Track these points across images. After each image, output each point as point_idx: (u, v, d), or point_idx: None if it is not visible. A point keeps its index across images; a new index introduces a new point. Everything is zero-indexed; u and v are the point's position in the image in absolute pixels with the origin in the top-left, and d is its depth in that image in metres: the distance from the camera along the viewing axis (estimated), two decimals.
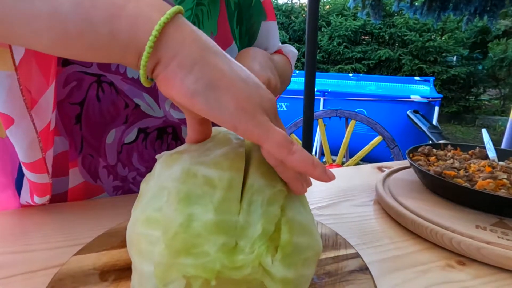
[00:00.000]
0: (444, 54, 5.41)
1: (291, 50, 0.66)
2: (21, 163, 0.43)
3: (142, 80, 0.25)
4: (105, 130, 0.50)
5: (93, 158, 0.51)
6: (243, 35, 0.57)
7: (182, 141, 0.57)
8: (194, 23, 0.49)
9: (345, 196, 0.56)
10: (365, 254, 0.39)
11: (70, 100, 0.47)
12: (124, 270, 0.34)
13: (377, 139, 2.12)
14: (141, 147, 0.54)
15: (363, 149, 2.16)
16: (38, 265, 0.36)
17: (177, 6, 0.25)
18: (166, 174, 0.27)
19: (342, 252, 0.38)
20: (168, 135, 0.56)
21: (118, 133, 0.51)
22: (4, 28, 0.25)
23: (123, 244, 0.38)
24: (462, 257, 0.39)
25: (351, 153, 2.39)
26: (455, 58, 5.64)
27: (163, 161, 0.29)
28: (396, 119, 3.04)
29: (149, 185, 0.28)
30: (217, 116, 0.24)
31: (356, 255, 0.37)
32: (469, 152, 0.60)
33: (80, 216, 0.47)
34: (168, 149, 0.57)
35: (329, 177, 0.26)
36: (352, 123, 2.18)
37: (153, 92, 0.50)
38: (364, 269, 0.35)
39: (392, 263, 0.38)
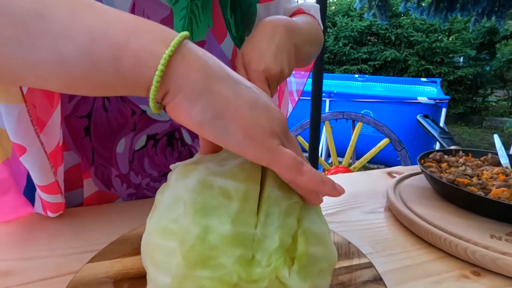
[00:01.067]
0: (451, 55, 5.36)
1: (312, 5, 0.64)
2: (35, 185, 0.44)
3: (153, 110, 0.26)
4: (115, 139, 0.50)
5: (105, 168, 0.51)
6: (239, 23, 0.55)
7: (188, 147, 0.57)
8: (190, 19, 0.49)
9: (355, 203, 0.55)
10: (378, 263, 0.39)
11: (77, 114, 0.47)
12: (137, 279, 0.34)
13: (384, 141, 2.11)
14: (151, 153, 0.54)
15: (370, 151, 2.14)
16: (52, 273, 0.37)
17: (181, 34, 0.25)
18: (182, 184, 0.27)
19: (356, 261, 0.37)
20: (178, 141, 0.56)
21: (127, 141, 0.51)
22: (10, 74, 0.24)
23: (135, 252, 0.38)
24: (477, 268, 0.39)
25: (357, 155, 2.38)
26: (462, 59, 5.59)
27: (178, 172, 0.29)
28: (402, 121, 3.02)
29: (164, 195, 0.28)
30: (227, 144, 0.24)
31: (370, 265, 0.37)
32: (481, 158, 0.59)
33: (92, 221, 0.47)
34: (179, 155, 0.57)
35: (338, 192, 0.27)
36: (359, 125, 2.17)
37: None
38: (378, 279, 0.35)
39: (406, 273, 0.38)
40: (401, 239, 0.45)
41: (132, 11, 0.44)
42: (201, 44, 0.51)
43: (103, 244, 0.39)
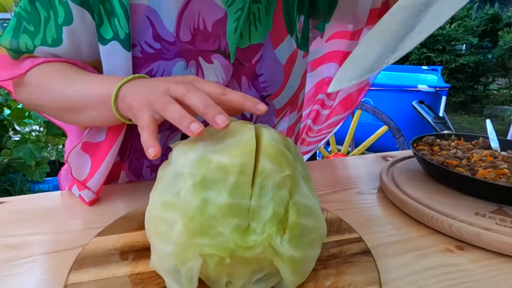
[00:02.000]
0: (453, 43, 5.32)
1: None
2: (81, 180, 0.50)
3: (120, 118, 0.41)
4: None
5: (138, 160, 0.54)
6: (305, 23, 0.56)
7: None
8: (250, 21, 0.50)
9: (349, 184, 0.57)
10: (369, 239, 0.41)
11: None
12: (142, 251, 0.36)
13: (383, 129, 2.12)
14: None
15: (369, 138, 2.16)
16: (63, 246, 0.39)
17: (117, 85, 0.40)
18: (182, 161, 0.29)
19: (346, 236, 0.40)
20: None
21: (163, 138, 0.54)
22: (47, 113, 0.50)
23: (139, 228, 0.40)
24: (461, 243, 0.41)
25: (356, 142, 2.40)
26: (464, 47, 5.54)
27: (179, 149, 0.31)
28: (402, 109, 3.02)
29: (166, 171, 0.30)
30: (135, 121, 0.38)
31: (359, 239, 0.39)
32: (473, 142, 0.61)
33: (100, 202, 0.50)
34: None
35: (259, 110, 0.34)
36: (357, 113, 2.17)
37: None
38: (366, 252, 0.37)
39: (394, 247, 0.40)
40: (392, 217, 0.47)
41: (182, 11, 0.46)
42: (258, 47, 0.52)
43: (108, 222, 0.42)
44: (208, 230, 0.26)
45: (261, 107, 0.34)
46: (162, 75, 0.48)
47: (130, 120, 0.41)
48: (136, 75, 0.43)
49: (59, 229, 0.42)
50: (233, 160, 0.28)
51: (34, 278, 0.34)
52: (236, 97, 0.35)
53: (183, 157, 0.30)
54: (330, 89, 0.30)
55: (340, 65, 0.68)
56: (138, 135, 0.51)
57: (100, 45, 0.45)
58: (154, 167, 0.59)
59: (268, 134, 0.30)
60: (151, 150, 0.31)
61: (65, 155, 0.50)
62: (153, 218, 0.30)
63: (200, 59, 0.50)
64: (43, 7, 0.45)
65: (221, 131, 0.31)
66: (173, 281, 0.28)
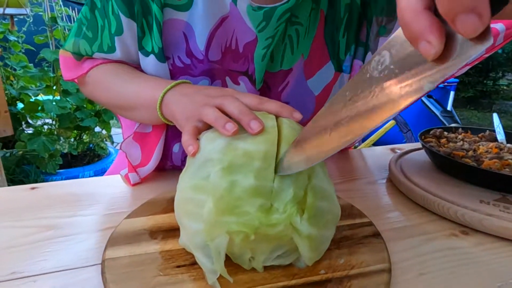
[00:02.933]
0: None
1: None
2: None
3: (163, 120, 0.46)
4: (172, 141, 0.57)
5: (161, 161, 0.57)
6: (350, 43, 0.52)
7: None
8: (285, 45, 0.49)
9: (359, 174, 0.60)
10: (378, 224, 0.44)
11: None
12: (169, 231, 0.39)
13: (390, 123, 2.13)
14: None
15: (376, 133, 2.17)
16: (91, 227, 0.42)
17: (175, 82, 0.46)
18: (210, 148, 0.32)
19: (358, 220, 0.42)
20: None
21: (181, 147, 0.57)
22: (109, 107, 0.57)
23: (165, 211, 0.43)
24: (466, 228, 0.44)
25: (364, 137, 2.41)
26: None
27: (206, 138, 0.34)
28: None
29: (195, 158, 0.33)
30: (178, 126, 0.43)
31: (370, 223, 0.42)
32: (479, 135, 0.63)
33: (126, 188, 0.53)
34: None
35: (295, 118, 0.36)
36: None
37: None
38: (377, 234, 0.40)
39: (402, 232, 0.43)
40: (400, 205, 0.50)
41: (216, 30, 0.48)
42: (287, 73, 0.51)
43: (134, 207, 0.45)
44: (235, 209, 0.29)
45: (297, 115, 0.36)
46: None
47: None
48: (180, 81, 0.46)
49: (88, 212, 0.46)
50: (258, 147, 0.30)
51: (71, 255, 0.37)
52: (273, 106, 0.37)
53: (211, 144, 0.33)
54: None
55: None
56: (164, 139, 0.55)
57: (141, 55, 0.49)
58: (176, 167, 0.62)
59: (287, 124, 0.33)
60: (190, 148, 0.34)
61: (120, 144, 0.55)
62: (184, 199, 0.33)
63: (227, 78, 0.51)
64: (101, 16, 0.49)
65: None
66: (203, 256, 0.31)
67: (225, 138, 0.32)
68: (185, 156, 0.59)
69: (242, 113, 0.34)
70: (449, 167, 0.53)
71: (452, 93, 3.02)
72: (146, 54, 0.49)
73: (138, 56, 0.51)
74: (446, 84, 3.02)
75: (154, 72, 0.50)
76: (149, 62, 0.49)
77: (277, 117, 0.35)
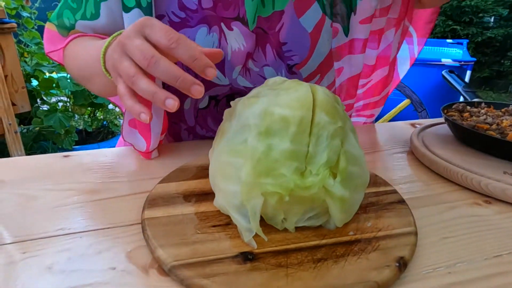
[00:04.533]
0: (481, 15, 5.07)
1: None
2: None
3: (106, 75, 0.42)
4: (182, 98, 0.55)
5: (176, 124, 0.58)
6: None
7: None
8: None
9: (381, 147, 0.61)
10: (401, 193, 0.45)
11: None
12: (202, 195, 0.41)
13: (405, 102, 2.11)
14: (213, 112, 0.61)
15: (390, 112, 2.16)
16: (126, 191, 0.45)
17: (114, 35, 0.41)
18: (247, 113, 0.33)
19: (382, 188, 0.44)
20: None
21: (193, 100, 0.59)
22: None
23: (195, 177, 0.45)
24: (488, 198, 0.45)
25: (378, 116, 2.39)
26: (492, 19, 5.28)
27: (242, 104, 0.35)
28: (425, 83, 2.97)
29: (232, 123, 0.35)
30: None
31: (394, 191, 0.43)
32: (502, 109, 0.63)
33: (156, 157, 0.55)
34: None
35: (207, 76, 0.33)
36: None
37: (218, 64, 0.53)
38: (401, 201, 0.41)
39: (425, 200, 0.44)
40: (422, 175, 0.51)
41: None
42: (280, 14, 0.51)
43: (165, 174, 0.47)
44: (272, 172, 0.31)
45: (209, 72, 0.32)
46: None
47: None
48: (116, 33, 0.42)
49: (121, 179, 0.48)
50: (294, 113, 0.31)
51: (112, 215, 0.39)
52: (184, 55, 0.32)
53: (248, 110, 0.34)
54: None
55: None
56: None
57: (123, 13, 0.47)
58: (190, 129, 0.63)
59: (321, 91, 0.34)
60: (143, 116, 0.33)
61: (121, 135, 0.55)
62: (221, 163, 0.34)
63: (222, 25, 0.51)
64: None
65: (280, 86, 0.35)
66: (239, 215, 0.33)
67: (262, 104, 0.33)
68: (197, 111, 0.59)
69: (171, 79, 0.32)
70: (472, 139, 0.53)
71: (468, 73, 2.96)
72: (127, 10, 0.46)
73: (123, 22, 0.48)
74: (462, 63, 2.95)
75: None
76: (131, 19, 0.46)
77: (310, 84, 0.36)
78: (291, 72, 0.56)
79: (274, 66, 0.55)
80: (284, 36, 0.53)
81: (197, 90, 0.31)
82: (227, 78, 0.56)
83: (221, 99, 0.60)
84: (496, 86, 5.14)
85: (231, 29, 0.51)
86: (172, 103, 0.31)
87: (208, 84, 0.56)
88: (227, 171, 0.34)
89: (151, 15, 0.47)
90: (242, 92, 0.59)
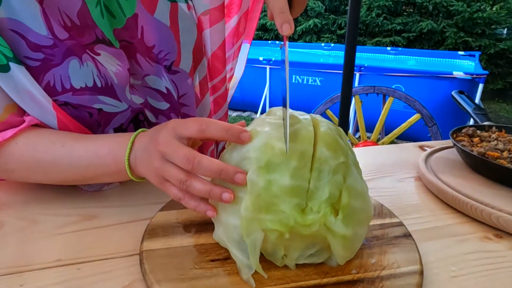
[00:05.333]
0: (493, 26, 5.02)
1: None
2: None
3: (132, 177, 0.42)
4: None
5: None
6: None
7: (154, 124, 0.55)
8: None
9: (387, 172, 0.60)
10: (408, 224, 0.43)
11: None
12: (202, 225, 0.41)
13: (415, 117, 2.08)
14: None
15: (400, 126, 2.13)
16: (128, 218, 0.44)
17: (133, 136, 0.41)
18: (248, 145, 0.33)
19: (388, 220, 0.42)
20: (144, 122, 0.55)
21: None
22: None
23: None
24: (499, 231, 0.43)
25: (386, 130, 2.37)
26: (505, 31, 5.22)
27: None
28: (435, 97, 2.93)
29: (232, 156, 0.34)
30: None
31: (400, 224, 0.42)
32: None
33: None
34: None
35: (243, 140, 0.34)
36: (389, 100, 2.14)
37: (108, 91, 0.48)
38: (407, 235, 0.40)
39: (433, 233, 0.43)
40: (430, 205, 0.49)
41: (44, 11, 0.40)
42: (133, 20, 0.45)
43: (168, 198, 0.46)
44: (272, 207, 0.30)
45: (245, 136, 0.34)
46: (61, 83, 0.44)
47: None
48: (134, 135, 0.42)
49: (122, 203, 0.48)
50: (295, 147, 0.31)
51: (111, 244, 0.39)
52: (216, 131, 0.35)
53: (248, 143, 0.33)
54: None
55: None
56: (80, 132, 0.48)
57: (6, 78, 0.40)
58: None
59: (324, 124, 0.33)
60: (209, 213, 0.35)
61: None
62: None
63: (87, 54, 0.45)
64: None
65: (280, 120, 0.34)
66: (238, 251, 0.32)
67: (263, 137, 0.32)
68: None
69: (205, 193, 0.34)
70: (483, 168, 0.52)
71: (481, 86, 2.91)
72: (6, 69, 0.39)
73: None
74: (474, 76, 2.91)
75: (29, 83, 0.41)
76: (20, 75, 0.40)
77: (312, 116, 0.35)
78: (172, 72, 0.51)
79: (153, 72, 0.50)
80: (149, 39, 0.48)
81: (240, 178, 0.32)
82: (124, 102, 0.51)
83: (127, 127, 0.54)
84: (510, 98, 5.05)
85: (98, 54, 0.46)
86: (228, 196, 0.33)
87: (107, 117, 0.50)
88: (228, 205, 0.33)
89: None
90: (142, 110, 0.54)
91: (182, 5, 0.48)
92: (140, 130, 0.43)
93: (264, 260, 0.34)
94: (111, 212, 0.45)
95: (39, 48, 0.42)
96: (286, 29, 0.35)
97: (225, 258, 0.35)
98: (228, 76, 0.67)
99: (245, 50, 0.72)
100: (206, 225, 0.40)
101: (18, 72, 0.40)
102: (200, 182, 0.34)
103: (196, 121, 0.36)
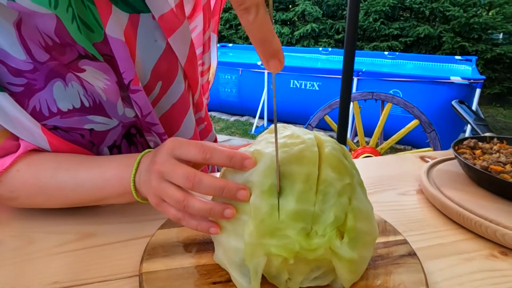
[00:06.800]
0: (490, 31, 5.06)
1: None
2: None
3: (137, 199, 0.42)
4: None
5: None
6: None
7: (144, 137, 0.54)
8: (87, 6, 0.40)
9: (389, 185, 0.59)
10: (412, 240, 0.43)
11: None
12: (203, 244, 0.40)
13: (414, 122, 2.09)
14: None
15: (398, 132, 2.13)
16: (127, 236, 0.43)
17: (137, 159, 0.41)
18: (251, 169, 0.32)
19: (392, 238, 0.42)
20: (136, 135, 0.53)
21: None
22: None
23: None
24: (505, 248, 0.42)
25: (385, 135, 2.37)
26: (501, 36, 5.26)
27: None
28: (433, 102, 2.94)
29: (235, 178, 0.33)
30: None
31: (405, 242, 0.41)
32: None
33: None
34: (143, 148, 0.54)
35: (246, 167, 0.33)
36: (388, 106, 2.14)
37: (96, 109, 0.47)
38: (412, 254, 0.39)
39: (438, 250, 0.42)
40: (433, 220, 0.49)
41: (21, 34, 0.39)
42: (105, 41, 0.42)
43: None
44: (276, 232, 0.29)
45: (248, 163, 0.33)
46: (47, 107, 0.43)
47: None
48: (139, 156, 0.41)
49: (122, 220, 0.47)
50: (300, 169, 0.30)
51: (110, 264, 0.38)
52: (220, 158, 0.34)
53: None
54: None
55: None
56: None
57: None
58: None
59: (328, 145, 0.33)
60: (213, 230, 0.34)
61: None
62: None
63: (71, 74, 0.43)
64: None
65: (283, 138, 0.34)
66: (239, 274, 0.32)
67: (266, 160, 0.32)
68: None
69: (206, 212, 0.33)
70: (486, 182, 0.51)
71: (478, 91, 2.92)
72: None
73: None
74: (472, 81, 2.92)
75: (15, 109, 0.41)
76: (4, 102, 0.40)
77: (316, 135, 0.35)
78: (132, 91, 0.46)
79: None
80: (133, 43, 0.44)
81: (243, 195, 0.31)
82: (114, 118, 0.49)
83: (120, 143, 0.52)
84: (508, 103, 5.08)
85: (83, 70, 0.43)
86: (231, 212, 0.32)
87: (99, 136, 0.49)
88: (230, 226, 0.32)
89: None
90: (135, 124, 0.52)
91: (146, 16, 0.43)
92: (146, 150, 0.42)
93: (266, 282, 0.33)
94: (109, 229, 0.44)
95: (21, 73, 0.41)
96: (275, 66, 0.25)
97: (227, 281, 0.34)
98: (203, 69, 0.65)
99: (214, 39, 0.67)
100: (207, 244, 0.40)
101: (2, 98, 0.39)
102: (198, 201, 0.33)
103: (199, 147, 0.35)
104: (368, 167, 0.66)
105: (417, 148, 2.98)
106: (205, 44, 0.62)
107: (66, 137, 0.46)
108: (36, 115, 0.43)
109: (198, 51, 0.60)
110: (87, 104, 0.45)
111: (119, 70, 0.44)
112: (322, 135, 0.35)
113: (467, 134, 3.03)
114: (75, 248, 0.41)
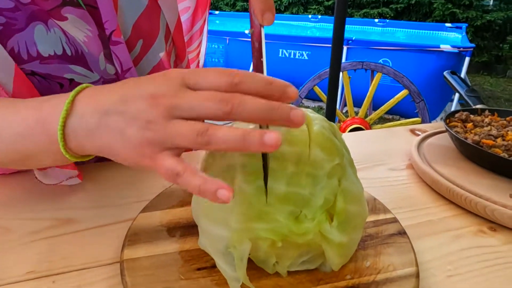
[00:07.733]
0: None
1: None
2: None
3: (67, 156, 0.31)
4: None
5: None
6: None
7: None
8: None
9: (378, 160, 0.58)
10: (402, 218, 0.42)
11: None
12: (188, 227, 0.38)
13: (403, 92, 2.07)
14: None
15: (388, 102, 2.12)
16: (108, 220, 0.41)
17: (69, 97, 0.30)
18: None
19: (382, 216, 0.41)
20: None
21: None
22: None
23: (182, 204, 0.42)
24: (494, 224, 0.42)
25: (374, 105, 2.36)
26: (492, 2, 5.19)
27: None
28: (422, 71, 2.92)
29: (216, 160, 0.31)
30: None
31: (395, 220, 0.40)
32: (507, 118, 0.60)
33: (139, 175, 0.51)
34: None
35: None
36: (377, 76, 2.12)
37: (78, 59, 0.45)
38: (402, 233, 0.38)
39: (427, 228, 0.42)
40: (423, 196, 0.48)
41: None
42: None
43: (151, 195, 0.43)
44: (265, 216, 0.28)
45: (291, 92, 0.26)
46: (26, 50, 0.40)
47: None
48: (73, 92, 0.30)
49: (103, 204, 0.44)
50: (290, 149, 0.28)
51: (89, 251, 0.36)
52: (257, 83, 0.26)
53: None
54: None
55: None
56: None
57: None
58: None
59: (317, 122, 0.30)
60: (223, 193, 0.23)
61: None
62: (205, 202, 0.31)
63: (52, 20, 0.41)
64: None
65: None
66: (224, 262, 0.30)
67: None
68: None
69: (242, 137, 0.24)
70: (477, 157, 0.50)
71: (467, 59, 2.91)
72: None
73: None
74: (461, 49, 2.90)
75: None
76: None
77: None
78: (113, 42, 0.44)
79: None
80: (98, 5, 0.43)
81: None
82: (95, 72, 0.46)
83: None
84: (495, 71, 5.10)
85: (65, 19, 0.41)
86: (274, 137, 0.23)
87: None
88: (212, 213, 0.30)
89: None
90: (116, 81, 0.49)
91: None
92: (84, 85, 0.31)
93: (254, 267, 0.32)
94: (87, 214, 0.42)
95: (0, 11, 0.38)
96: (269, 19, 0.27)
97: (212, 266, 0.33)
98: (196, 52, 0.64)
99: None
100: (191, 227, 0.38)
101: None
102: (227, 128, 0.24)
103: (220, 71, 0.26)
104: (357, 142, 0.65)
105: (405, 117, 2.99)
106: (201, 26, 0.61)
107: (44, 85, 0.43)
108: (14, 57, 0.40)
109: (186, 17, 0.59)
110: (69, 53, 0.43)
111: (101, 22, 0.42)
112: (310, 111, 0.33)
113: (454, 103, 3.05)
114: (51, 235, 0.39)
